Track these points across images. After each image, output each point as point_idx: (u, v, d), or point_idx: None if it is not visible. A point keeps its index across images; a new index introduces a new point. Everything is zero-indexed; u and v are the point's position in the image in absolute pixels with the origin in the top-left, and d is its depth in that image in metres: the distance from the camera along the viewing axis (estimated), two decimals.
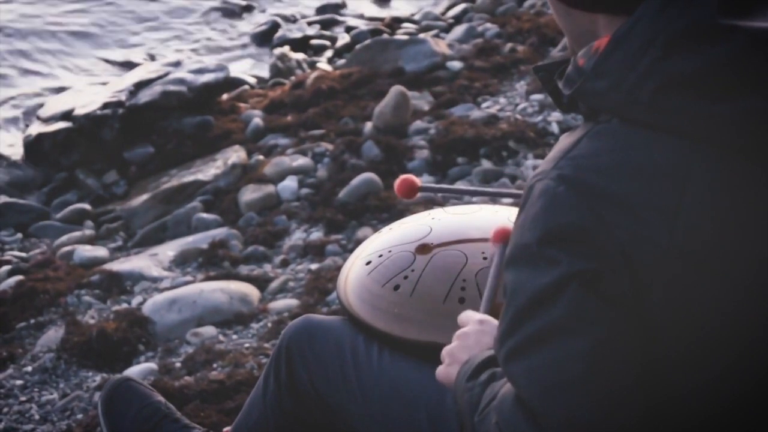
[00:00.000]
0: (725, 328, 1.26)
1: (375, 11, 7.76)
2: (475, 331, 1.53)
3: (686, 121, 1.24)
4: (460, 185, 4.13)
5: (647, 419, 1.24)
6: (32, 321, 3.53)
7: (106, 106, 5.38)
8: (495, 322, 1.53)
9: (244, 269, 3.76)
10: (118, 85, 5.72)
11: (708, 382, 1.27)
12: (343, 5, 7.91)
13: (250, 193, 4.40)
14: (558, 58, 1.45)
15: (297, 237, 3.95)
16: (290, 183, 4.38)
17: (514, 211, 1.99)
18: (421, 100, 5.01)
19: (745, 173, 1.26)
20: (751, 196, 1.26)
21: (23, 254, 4.44)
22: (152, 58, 6.98)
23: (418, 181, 2.09)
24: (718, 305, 1.25)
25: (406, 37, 5.90)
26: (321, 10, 7.84)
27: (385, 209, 3.99)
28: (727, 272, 1.25)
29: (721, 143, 1.24)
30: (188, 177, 4.82)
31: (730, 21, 1.24)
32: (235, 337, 3.28)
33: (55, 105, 5.73)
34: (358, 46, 6.05)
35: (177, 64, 5.91)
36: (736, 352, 1.27)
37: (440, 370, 1.54)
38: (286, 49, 6.74)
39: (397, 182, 2.10)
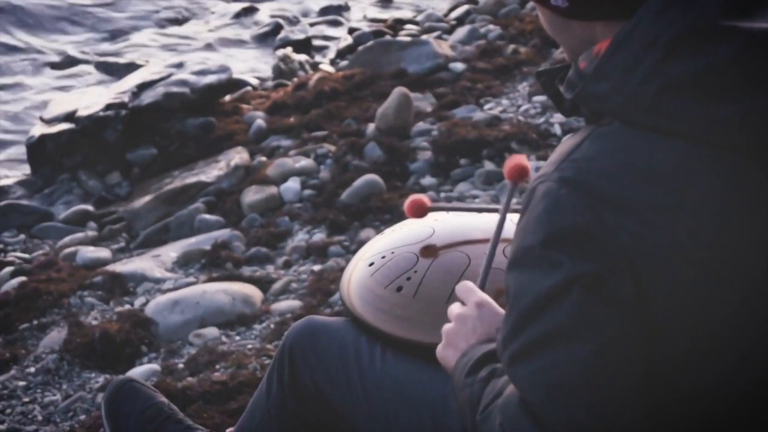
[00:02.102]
0: (729, 329, 1.25)
1: (377, 12, 7.76)
2: (472, 316, 1.53)
3: (689, 123, 1.24)
4: (462, 186, 4.13)
5: (651, 421, 1.24)
6: (35, 322, 3.53)
7: (108, 107, 5.38)
8: (493, 306, 1.53)
9: (246, 270, 3.76)
10: (121, 86, 5.72)
11: (712, 384, 1.27)
12: (345, 7, 7.91)
13: (252, 195, 4.40)
14: (559, 62, 1.45)
15: (300, 238, 3.96)
16: (293, 184, 4.38)
17: (517, 214, 1.99)
18: (424, 102, 5.01)
19: (747, 174, 1.25)
20: (754, 197, 1.26)
21: (26, 255, 4.44)
22: (154, 59, 6.99)
23: (428, 201, 2.03)
24: (722, 306, 1.25)
25: (408, 39, 5.90)
26: (323, 11, 7.85)
27: (387, 210, 3.99)
28: (731, 273, 1.24)
29: (725, 145, 1.24)
30: (191, 178, 4.82)
31: (731, 22, 1.24)
32: (237, 338, 3.28)
33: (58, 106, 5.73)
34: (360, 48, 6.05)
35: (180, 66, 5.91)
36: (739, 353, 1.26)
37: (437, 350, 1.56)
38: (288, 50, 6.74)
39: (407, 202, 2.05)
